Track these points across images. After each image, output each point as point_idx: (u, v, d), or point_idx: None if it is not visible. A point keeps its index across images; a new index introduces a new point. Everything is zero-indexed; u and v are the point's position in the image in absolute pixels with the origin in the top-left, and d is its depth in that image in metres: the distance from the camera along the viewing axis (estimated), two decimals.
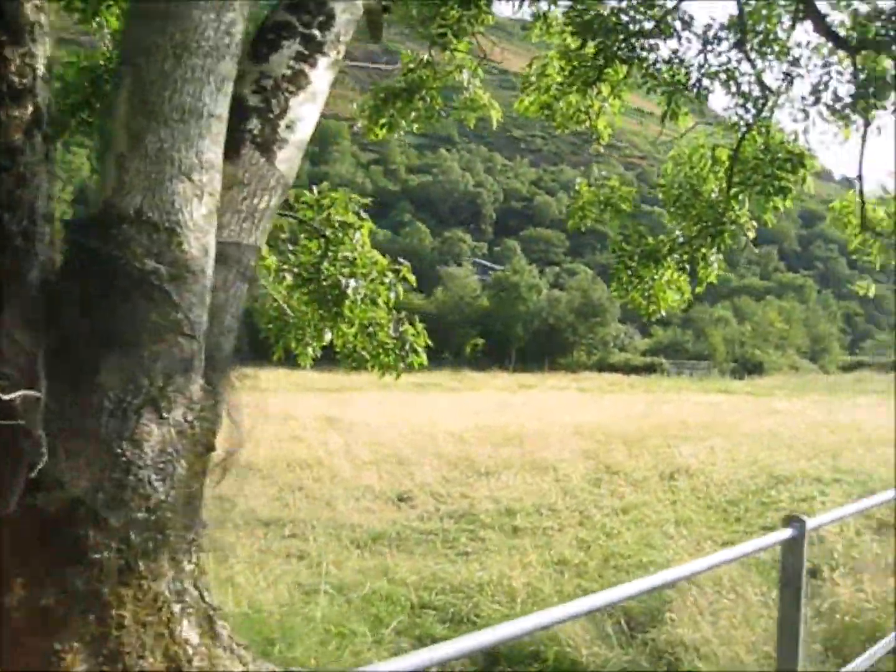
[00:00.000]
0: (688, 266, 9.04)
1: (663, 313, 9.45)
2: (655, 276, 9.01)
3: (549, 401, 36.15)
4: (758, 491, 13.68)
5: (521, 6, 9.04)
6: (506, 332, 69.19)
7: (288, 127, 4.67)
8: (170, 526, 3.97)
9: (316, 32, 4.86)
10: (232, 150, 4.38)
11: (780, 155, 8.66)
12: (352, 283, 7.88)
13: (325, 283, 7.95)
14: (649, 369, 64.17)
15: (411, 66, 9.68)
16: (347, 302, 7.87)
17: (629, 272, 9.03)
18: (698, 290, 9.43)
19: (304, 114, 4.77)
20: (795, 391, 51.65)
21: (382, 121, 9.84)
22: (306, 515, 12.00)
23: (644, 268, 8.93)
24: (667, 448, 18.39)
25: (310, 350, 9.12)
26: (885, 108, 7.92)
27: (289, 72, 4.73)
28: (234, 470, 4.53)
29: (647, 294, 9.21)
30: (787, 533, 3.57)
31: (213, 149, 4.12)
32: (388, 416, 26.60)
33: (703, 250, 8.82)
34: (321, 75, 4.86)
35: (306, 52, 4.80)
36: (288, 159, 4.69)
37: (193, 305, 4.02)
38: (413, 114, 9.81)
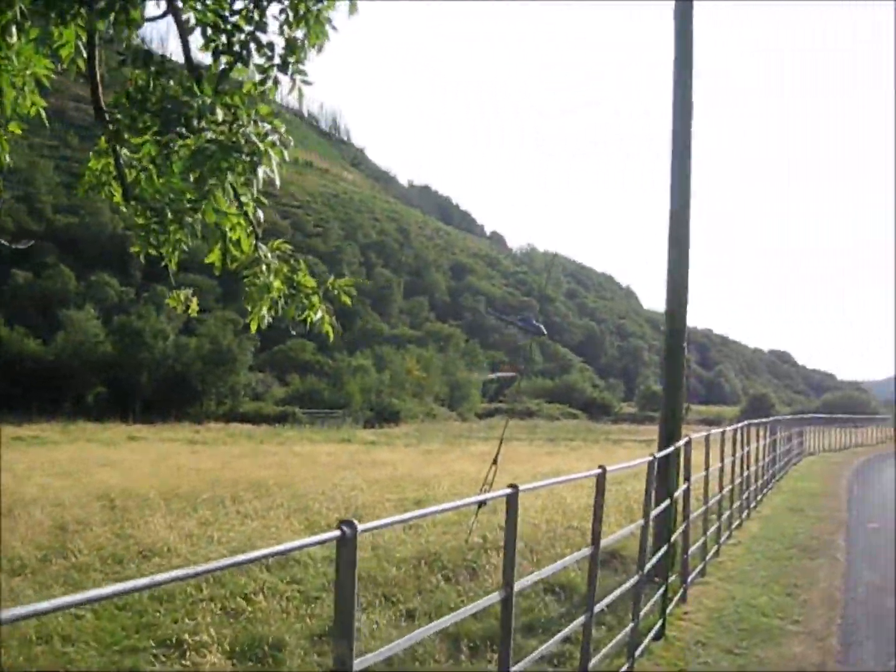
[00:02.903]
0: None
1: None
2: None
3: (149, 455, 33.41)
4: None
5: None
6: (130, 380, 65.09)
7: None
8: None
9: None
10: None
11: None
12: None
13: None
14: (282, 419, 62.69)
15: None
16: None
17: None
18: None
19: None
20: (418, 440, 52.03)
21: None
22: None
23: None
24: (146, 524, 16.38)
25: None
26: None
27: None
28: None
29: None
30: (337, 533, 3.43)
31: None
32: None
33: None
34: None
35: None
36: None
37: None
38: None
